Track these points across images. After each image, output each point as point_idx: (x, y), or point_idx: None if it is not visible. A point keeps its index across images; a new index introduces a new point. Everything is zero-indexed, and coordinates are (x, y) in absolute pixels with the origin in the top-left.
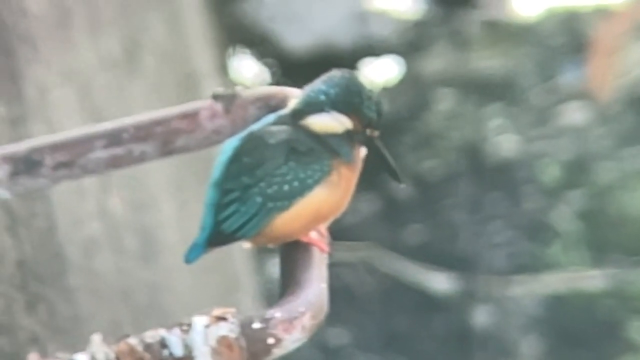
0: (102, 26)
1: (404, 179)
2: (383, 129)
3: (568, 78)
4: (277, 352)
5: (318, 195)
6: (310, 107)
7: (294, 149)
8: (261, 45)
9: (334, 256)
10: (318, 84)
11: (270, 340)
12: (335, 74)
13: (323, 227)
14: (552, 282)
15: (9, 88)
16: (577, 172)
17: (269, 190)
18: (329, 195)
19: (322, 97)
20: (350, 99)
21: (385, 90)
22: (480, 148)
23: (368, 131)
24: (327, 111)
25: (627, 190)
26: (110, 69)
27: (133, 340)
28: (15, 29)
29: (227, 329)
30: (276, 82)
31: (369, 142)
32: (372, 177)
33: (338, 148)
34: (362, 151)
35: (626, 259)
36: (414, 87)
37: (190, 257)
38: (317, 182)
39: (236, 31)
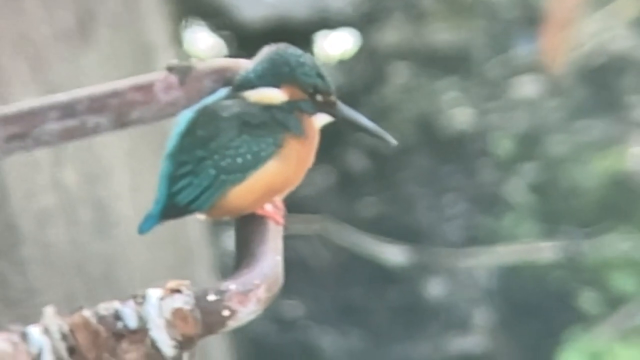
0: None
1: (390, 137)
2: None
3: (521, 51)
4: (232, 324)
5: (271, 168)
6: (243, 86)
7: (247, 122)
8: (216, 17)
9: (289, 229)
10: (251, 62)
11: (225, 313)
12: (265, 49)
13: (278, 200)
14: (505, 254)
15: None
16: (530, 144)
17: (223, 163)
18: (282, 169)
19: (251, 75)
20: (277, 71)
21: (341, 63)
22: (434, 121)
23: (319, 97)
24: (256, 88)
25: (579, 163)
26: (63, 39)
27: (87, 313)
28: None
29: (182, 301)
30: (232, 54)
31: (328, 109)
32: (327, 150)
33: (286, 121)
34: (317, 123)
35: (578, 231)
36: (369, 59)
37: (144, 227)
38: (270, 155)
39: (191, 2)
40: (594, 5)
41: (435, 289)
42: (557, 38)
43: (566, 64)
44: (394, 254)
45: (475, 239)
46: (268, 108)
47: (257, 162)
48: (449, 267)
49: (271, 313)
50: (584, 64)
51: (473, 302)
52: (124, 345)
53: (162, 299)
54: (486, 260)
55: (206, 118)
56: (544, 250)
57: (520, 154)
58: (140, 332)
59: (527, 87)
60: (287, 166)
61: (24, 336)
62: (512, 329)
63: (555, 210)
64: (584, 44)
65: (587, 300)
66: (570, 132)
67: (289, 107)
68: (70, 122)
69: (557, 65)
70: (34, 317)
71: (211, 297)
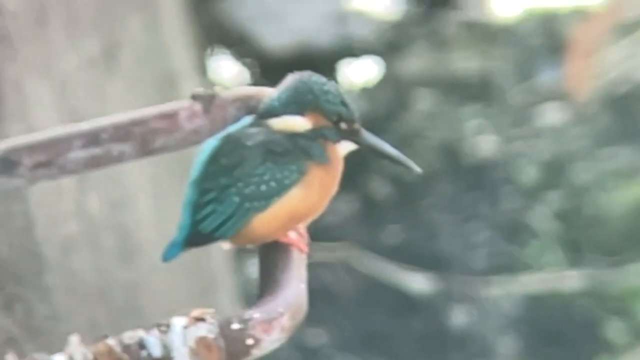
0: (81, 24)
1: (414, 164)
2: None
3: (546, 78)
4: (256, 352)
5: (295, 195)
6: (268, 113)
7: (271, 150)
8: (240, 45)
9: (313, 256)
10: (275, 91)
11: (249, 341)
12: (289, 78)
13: (302, 228)
14: (530, 283)
15: None
16: (554, 172)
17: (247, 191)
18: (306, 196)
19: (275, 103)
20: (301, 99)
21: (365, 90)
22: (458, 148)
23: (343, 125)
24: (280, 116)
25: (604, 191)
26: (88, 68)
27: (111, 341)
28: None
29: (206, 330)
30: (255, 83)
31: (352, 137)
32: (350, 177)
33: (309, 149)
34: (341, 150)
35: (603, 259)
36: (393, 87)
37: (168, 255)
38: (293, 182)
39: (215, 31)
40: (618, 33)
41: (459, 317)
42: (582, 66)
43: (591, 91)
44: (417, 282)
45: (500, 267)
46: (292, 136)
47: (281, 189)
48: (473, 296)
49: (295, 341)
50: (608, 91)
51: (497, 330)
52: None
53: (186, 327)
54: (511, 289)
55: (230, 146)
56: (569, 279)
57: (544, 182)
58: None
59: (551, 114)
60: (310, 194)
61: None
62: (537, 358)
63: (580, 238)
64: (609, 72)
65: (613, 329)
66: (595, 160)
67: (313, 134)
68: (95, 150)
69: (582, 92)
70: (58, 345)
71: (235, 326)
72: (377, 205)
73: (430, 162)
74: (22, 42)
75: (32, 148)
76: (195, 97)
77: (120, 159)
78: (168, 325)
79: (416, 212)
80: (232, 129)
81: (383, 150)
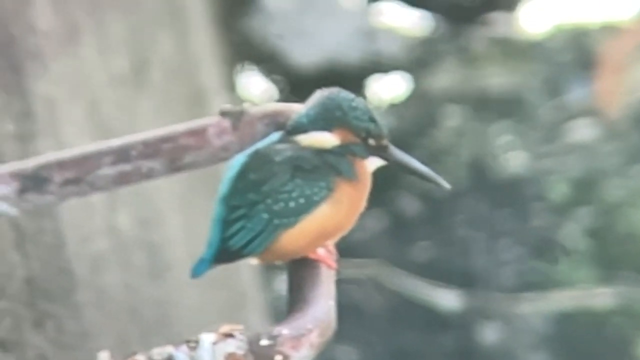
0: (111, 42)
1: (443, 180)
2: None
3: (576, 95)
4: None
5: (323, 212)
6: (296, 129)
7: (299, 167)
8: (269, 61)
9: (342, 273)
10: (303, 107)
11: (278, 358)
12: (318, 94)
13: (330, 244)
14: (561, 300)
15: (18, 104)
16: (585, 189)
17: (275, 207)
18: (334, 213)
19: (304, 119)
20: (329, 115)
21: (393, 106)
22: (488, 165)
23: (371, 141)
24: (308, 132)
25: (635, 208)
26: (118, 85)
27: (141, 357)
28: (24, 45)
29: (235, 346)
30: (284, 99)
31: (381, 153)
32: (379, 194)
33: (338, 165)
34: (369, 167)
35: (635, 276)
36: (421, 103)
37: (197, 271)
38: (322, 199)
39: (244, 48)
40: None
41: (489, 334)
42: (612, 82)
43: (621, 107)
44: (447, 299)
45: (531, 284)
46: (320, 152)
47: (309, 206)
48: (504, 313)
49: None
50: (638, 108)
51: (528, 348)
52: None
53: (215, 343)
54: (542, 306)
55: (259, 162)
56: (601, 296)
57: (575, 199)
58: None
59: (582, 131)
60: (339, 210)
61: None
62: None
63: (612, 255)
64: (639, 88)
65: None
66: (626, 177)
67: (342, 151)
68: (125, 167)
69: (612, 109)
70: None
71: (264, 342)
72: (406, 221)
73: (460, 179)
74: (54, 59)
75: (62, 165)
76: (223, 114)
77: (149, 175)
78: (197, 342)
79: (445, 228)
80: (260, 145)
81: (412, 167)
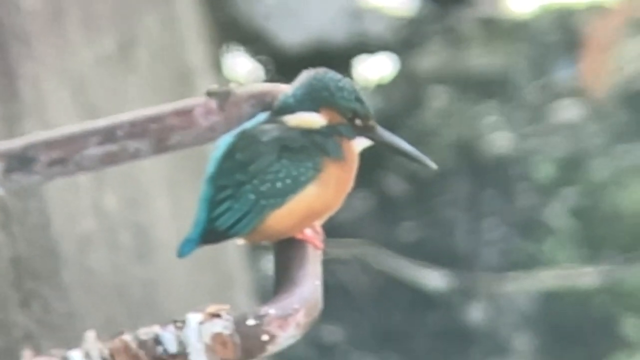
0: (97, 22)
1: (429, 161)
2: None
3: (562, 75)
4: (271, 349)
5: (310, 192)
6: (283, 110)
7: (286, 147)
8: (255, 42)
9: (328, 253)
10: (290, 87)
11: (265, 337)
12: (304, 74)
13: (317, 224)
14: (546, 279)
15: (4, 85)
16: (571, 169)
17: (262, 188)
18: (321, 193)
19: (291, 99)
20: (316, 95)
21: (380, 87)
22: (474, 145)
23: (358, 121)
24: (295, 112)
25: (620, 187)
26: (104, 65)
27: (127, 337)
28: (9, 25)
29: (221, 326)
30: (270, 79)
31: (367, 134)
32: (366, 174)
33: (325, 145)
34: (356, 147)
35: (620, 256)
36: (408, 84)
37: (183, 251)
38: (309, 179)
39: (230, 28)
40: (634, 28)
41: (475, 314)
42: (598, 62)
43: (607, 88)
44: (433, 279)
45: (516, 264)
46: (307, 132)
47: (296, 186)
48: (489, 292)
49: (310, 338)
50: (624, 88)
51: (513, 327)
52: None
53: (201, 323)
54: (527, 285)
55: (245, 142)
56: (585, 276)
57: (560, 179)
58: (180, 357)
59: (567, 111)
60: (326, 190)
61: None
62: (553, 354)
63: (597, 235)
64: (625, 68)
65: (630, 326)
66: (611, 156)
67: (328, 131)
68: (111, 147)
69: (598, 89)
70: (75, 342)
71: (250, 322)
72: (393, 202)
73: (446, 159)
74: (39, 39)
75: (48, 145)
76: (210, 94)
77: (136, 155)
78: (184, 322)
79: (432, 209)
80: (247, 125)
81: (398, 147)
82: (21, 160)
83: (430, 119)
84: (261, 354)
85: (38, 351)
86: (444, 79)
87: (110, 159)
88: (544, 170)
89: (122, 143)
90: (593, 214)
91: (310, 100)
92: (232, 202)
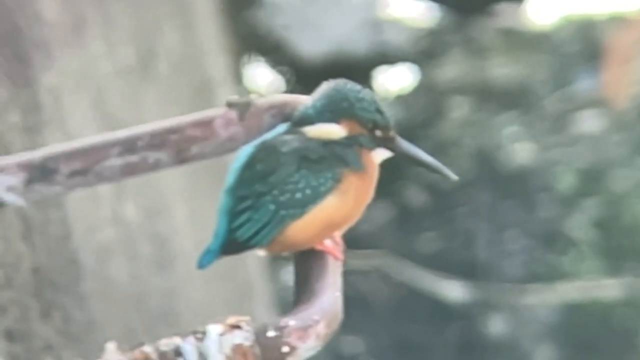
0: (117, 33)
1: (450, 172)
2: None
3: (583, 86)
4: None
5: (330, 203)
6: (303, 121)
7: (306, 157)
8: (276, 53)
9: (348, 264)
10: (310, 98)
11: (285, 349)
12: (324, 85)
13: (337, 235)
14: (567, 291)
15: (24, 95)
16: (592, 180)
17: (282, 198)
18: (341, 204)
19: (310, 110)
20: (336, 106)
21: (400, 98)
22: (495, 156)
23: (378, 132)
24: (315, 123)
25: None
26: (125, 76)
27: (148, 348)
28: (30, 35)
29: (242, 337)
30: (290, 90)
31: (387, 144)
32: (386, 185)
33: (345, 156)
34: (376, 158)
35: None
36: (428, 94)
37: (203, 262)
38: (329, 190)
39: (251, 39)
40: None
41: (496, 325)
42: (619, 72)
43: (628, 98)
44: (453, 290)
45: (537, 276)
46: (327, 143)
47: (316, 197)
48: (510, 304)
49: (331, 349)
50: None
51: (535, 339)
52: None
53: (222, 334)
54: (548, 297)
55: (265, 153)
56: (608, 287)
57: (582, 189)
58: None
59: (588, 121)
60: (346, 201)
61: None
62: None
63: (619, 246)
64: None
65: None
66: (633, 167)
67: (348, 142)
68: (131, 158)
69: (619, 99)
70: (95, 352)
71: (271, 333)
72: (413, 213)
73: (466, 170)
74: (60, 50)
75: (69, 156)
76: (230, 105)
77: (156, 166)
78: (204, 333)
79: (452, 220)
80: (267, 136)
81: (419, 158)
82: (42, 171)
83: (450, 130)
84: None
85: None
86: (465, 90)
87: (131, 170)
88: (565, 181)
89: (142, 154)
90: (615, 225)
91: (330, 111)
92: (252, 212)
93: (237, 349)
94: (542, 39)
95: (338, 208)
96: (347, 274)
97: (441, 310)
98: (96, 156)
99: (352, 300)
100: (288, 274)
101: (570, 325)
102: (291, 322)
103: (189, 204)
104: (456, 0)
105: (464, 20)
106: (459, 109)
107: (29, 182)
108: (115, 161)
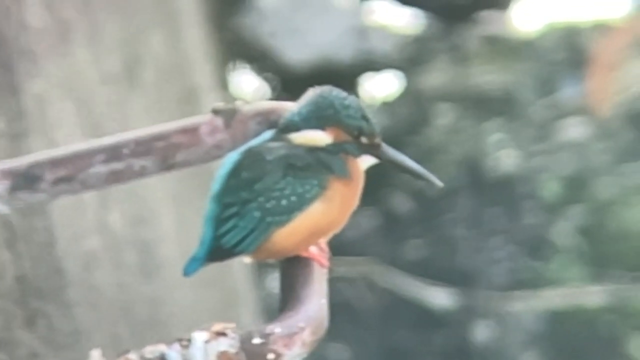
0: (102, 40)
1: (435, 179)
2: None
3: (568, 93)
4: None
5: (316, 210)
6: (288, 128)
7: (292, 165)
8: (261, 60)
9: (334, 271)
10: (296, 105)
11: (270, 356)
12: (310, 92)
13: (323, 242)
14: (552, 298)
15: (9, 102)
16: (577, 187)
17: (268, 205)
18: (327, 211)
19: (296, 117)
20: (321, 113)
21: (385, 105)
22: (480, 163)
23: (364, 139)
24: (300, 130)
25: (627, 206)
26: (110, 83)
27: (133, 356)
28: (15, 43)
29: (227, 345)
30: (276, 97)
31: (373, 151)
32: (372, 192)
33: (330, 163)
34: (362, 165)
35: (626, 275)
36: (414, 101)
37: (189, 270)
38: (315, 196)
39: (236, 46)
40: None
41: (482, 332)
42: (604, 80)
43: (613, 106)
44: (439, 297)
45: (522, 283)
46: (313, 150)
47: (302, 204)
48: (496, 311)
49: (316, 356)
50: (630, 106)
51: (520, 346)
52: None
53: (207, 342)
54: (533, 304)
55: (251, 160)
56: (592, 295)
57: (567, 197)
58: None
59: (573, 129)
60: (331, 208)
61: None
62: None
63: (603, 253)
64: (631, 87)
65: (636, 345)
66: (617, 175)
67: (334, 149)
68: (117, 165)
69: (604, 107)
70: None
71: (256, 340)
72: (399, 219)
73: (452, 177)
74: (45, 57)
75: (54, 163)
76: (216, 112)
77: (141, 173)
78: (189, 340)
79: (438, 227)
80: (253, 143)
81: (404, 165)
82: (27, 179)
83: (436, 137)
84: None
85: None
86: (450, 97)
87: (116, 177)
88: (550, 189)
89: (127, 161)
90: (599, 232)
91: (316, 118)
92: (238, 219)
93: (223, 356)
94: (527, 47)
95: (324, 215)
96: (332, 281)
97: (427, 317)
98: (81, 163)
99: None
100: (274, 281)
101: (556, 332)
102: (277, 329)
103: (174, 211)
104: (442, 8)
105: (450, 27)
106: (445, 116)
107: (13, 189)
108: (100, 168)
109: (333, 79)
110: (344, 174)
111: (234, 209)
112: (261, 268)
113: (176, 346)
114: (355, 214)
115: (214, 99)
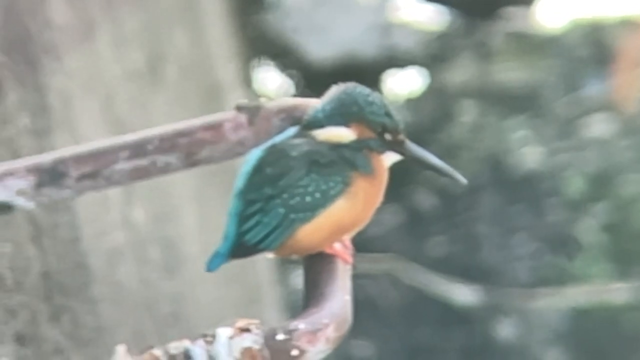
0: (126, 37)
1: (459, 175)
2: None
3: (592, 90)
4: None
5: (340, 207)
6: (312, 124)
7: (316, 161)
8: (285, 56)
9: (358, 268)
10: (320, 102)
11: (294, 352)
12: (334, 89)
13: (347, 239)
14: (576, 295)
15: (34, 99)
16: (601, 184)
17: (292, 202)
18: (351, 207)
19: (320, 114)
20: (345, 110)
21: (409, 101)
22: (504, 160)
23: (388, 136)
24: (324, 127)
25: None
26: (134, 80)
27: (157, 352)
28: (40, 40)
29: (251, 341)
30: (300, 94)
31: (397, 148)
32: (395, 188)
33: (354, 160)
34: (386, 161)
35: None
36: (437, 98)
37: (212, 265)
38: (338, 193)
39: (260, 43)
40: None
41: (505, 329)
42: (629, 77)
43: (638, 103)
44: (463, 294)
45: (546, 280)
46: (337, 147)
47: (325, 200)
48: (520, 308)
49: (340, 353)
50: None
51: (544, 343)
52: None
53: (231, 338)
54: (557, 301)
55: (275, 156)
56: (617, 292)
57: (591, 194)
58: None
59: (598, 126)
60: (355, 205)
61: None
62: None
63: (628, 250)
64: None
65: None
66: None
67: (358, 145)
68: (141, 162)
69: (629, 104)
70: (104, 356)
71: (280, 337)
72: (422, 216)
73: (476, 174)
74: (69, 54)
75: (78, 159)
76: (240, 109)
77: (165, 170)
78: (213, 336)
79: (461, 223)
80: (276, 139)
81: (428, 162)
82: (52, 175)
83: (460, 134)
84: None
85: None
86: (474, 94)
87: (140, 173)
88: (574, 185)
89: (151, 157)
90: (624, 229)
91: (340, 114)
92: (262, 216)
93: (247, 352)
94: (552, 43)
95: (347, 212)
96: (356, 278)
97: (450, 314)
98: (105, 160)
99: (362, 303)
100: (297, 278)
101: (579, 329)
102: (301, 325)
103: (198, 207)
104: (466, 4)
105: (474, 23)
106: (469, 113)
107: (39, 185)
108: (124, 164)
109: (357, 75)
110: (368, 171)
111: (257, 206)
112: (285, 264)
113: (200, 342)
114: (379, 210)
115: (237, 96)
